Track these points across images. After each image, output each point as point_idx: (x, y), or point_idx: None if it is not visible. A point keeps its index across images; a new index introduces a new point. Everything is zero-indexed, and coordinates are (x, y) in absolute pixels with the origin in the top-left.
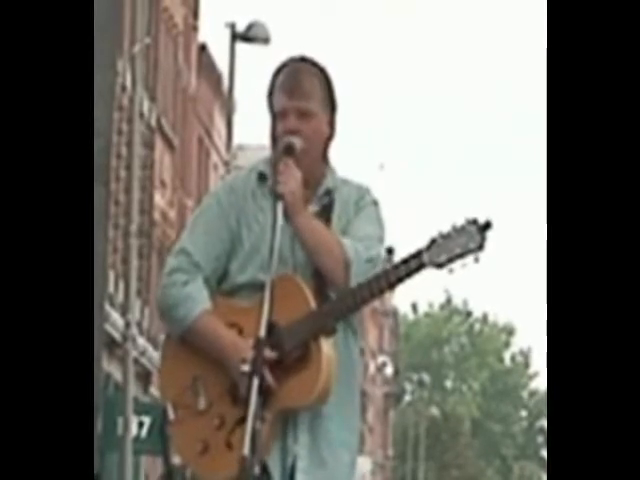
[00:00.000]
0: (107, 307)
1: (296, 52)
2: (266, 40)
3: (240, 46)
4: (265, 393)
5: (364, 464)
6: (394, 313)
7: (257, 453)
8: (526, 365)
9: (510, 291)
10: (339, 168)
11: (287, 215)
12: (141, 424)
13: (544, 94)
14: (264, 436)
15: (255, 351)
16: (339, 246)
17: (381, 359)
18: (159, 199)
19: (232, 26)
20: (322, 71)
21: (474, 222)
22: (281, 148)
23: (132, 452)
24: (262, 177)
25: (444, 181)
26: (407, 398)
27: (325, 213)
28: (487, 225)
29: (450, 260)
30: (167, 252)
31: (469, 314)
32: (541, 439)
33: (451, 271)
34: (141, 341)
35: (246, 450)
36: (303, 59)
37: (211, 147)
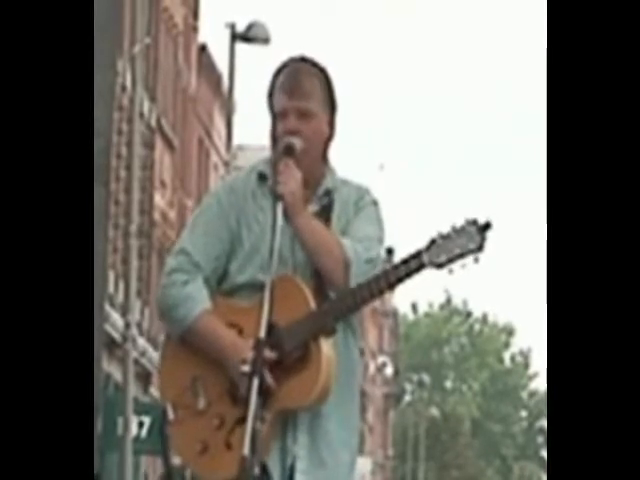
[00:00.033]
0: (107, 307)
1: (296, 52)
2: (266, 40)
3: (240, 46)
4: (265, 393)
5: (364, 464)
6: (394, 313)
7: (257, 453)
8: (526, 365)
9: (510, 291)
10: (339, 168)
11: (287, 215)
12: (141, 424)
13: (544, 94)
14: (264, 436)
15: (255, 351)
16: (339, 247)
17: (381, 359)
18: (159, 199)
19: (232, 26)
20: (322, 71)
21: (474, 222)
22: (281, 148)
23: (132, 452)
24: (262, 177)
25: (444, 181)
26: (407, 398)
27: (325, 213)
28: (487, 226)
29: (450, 260)
30: (167, 252)
31: (469, 314)
32: (541, 439)
33: (451, 271)
34: (141, 341)
35: (246, 450)
36: (303, 59)
37: (211, 147)
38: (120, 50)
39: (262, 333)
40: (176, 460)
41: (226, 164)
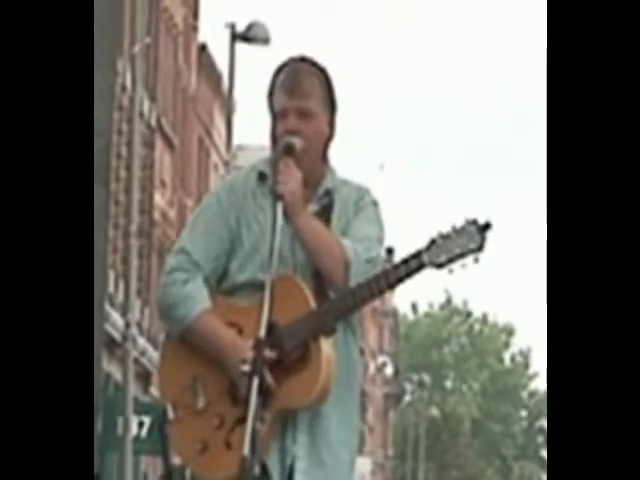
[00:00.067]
0: (107, 307)
1: (296, 52)
2: (266, 40)
3: (240, 46)
4: (264, 393)
5: (364, 464)
6: (394, 313)
7: (257, 453)
8: (526, 365)
9: (510, 291)
10: (339, 168)
11: (287, 215)
12: (141, 424)
13: (544, 94)
14: (263, 436)
15: (255, 351)
16: (339, 247)
17: (381, 359)
18: (159, 199)
19: (232, 26)
20: (322, 71)
21: (474, 222)
22: (281, 148)
23: (132, 452)
24: (262, 177)
25: (444, 181)
26: (407, 398)
27: (325, 213)
28: (487, 226)
29: (450, 260)
30: (167, 252)
31: (469, 314)
32: (541, 439)
33: (451, 271)
34: (141, 341)
35: (246, 450)
36: (303, 59)
37: (211, 147)
38: (120, 50)
39: (262, 332)
40: (176, 460)
41: (226, 164)
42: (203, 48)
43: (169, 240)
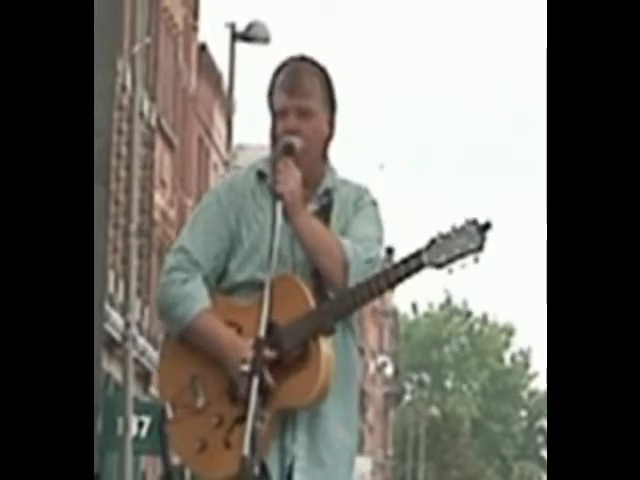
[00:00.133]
0: (107, 307)
1: (296, 52)
2: (266, 40)
3: (240, 46)
4: (264, 392)
5: (364, 464)
6: (394, 313)
7: (256, 453)
8: (526, 365)
9: (510, 291)
10: (339, 168)
11: (286, 215)
12: (141, 424)
13: (544, 94)
14: (263, 436)
15: (255, 350)
16: (338, 247)
17: (381, 359)
18: (159, 199)
19: (232, 26)
20: (322, 71)
21: (474, 222)
22: (281, 147)
23: (132, 452)
24: (261, 176)
25: (444, 181)
26: (407, 398)
27: (324, 213)
28: (487, 226)
29: (450, 260)
30: (167, 252)
31: (469, 314)
32: (541, 439)
33: (451, 271)
34: (141, 341)
35: (246, 450)
36: (303, 58)
37: (211, 147)
38: (120, 50)
39: (262, 332)
40: (175, 459)
41: (226, 164)
42: (203, 48)
43: (169, 240)
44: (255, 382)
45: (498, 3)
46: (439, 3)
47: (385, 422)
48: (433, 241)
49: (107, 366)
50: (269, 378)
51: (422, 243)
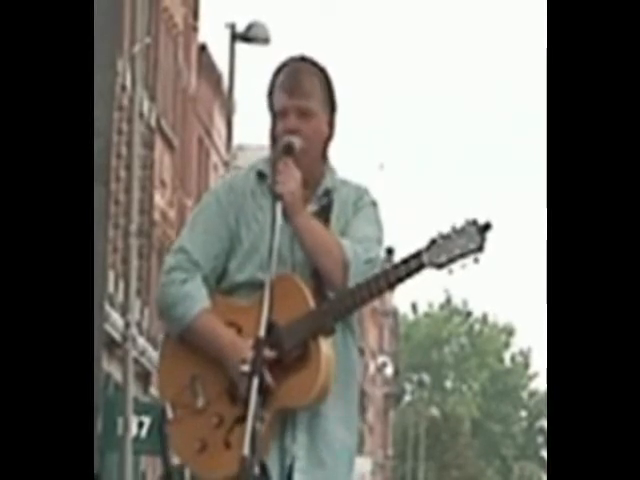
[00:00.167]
0: (107, 307)
1: (296, 52)
2: (266, 40)
3: (240, 46)
4: (264, 393)
5: (364, 464)
6: (394, 313)
7: (256, 453)
8: (526, 365)
9: (510, 291)
10: (339, 168)
11: (286, 215)
12: (141, 424)
13: (544, 94)
14: (263, 436)
15: (255, 351)
16: (338, 247)
17: (381, 359)
18: (159, 199)
19: (232, 26)
20: (322, 71)
21: (474, 223)
22: (281, 147)
23: (132, 452)
24: (261, 176)
25: (444, 181)
26: (407, 398)
27: (324, 213)
28: (487, 226)
29: (450, 261)
30: (167, 252)
31: (469, 314)
32: (541, 439)
33: (451, 272)
34: (141, 341)
35: (246, 450)
36: (303, 59)
37: (211, 147)
38: (120, 50)
39: (262, 332)
40: (175, 459)
41: (226, 164)
42: (203, 48)
43: (169, 240)
44: (255, 382)
45: (498, 3)
46: (439, 3)
47: (385, 422)
48: (433, 241)
49: (107, 366)
50: (269, 378)
51: (422, 243)
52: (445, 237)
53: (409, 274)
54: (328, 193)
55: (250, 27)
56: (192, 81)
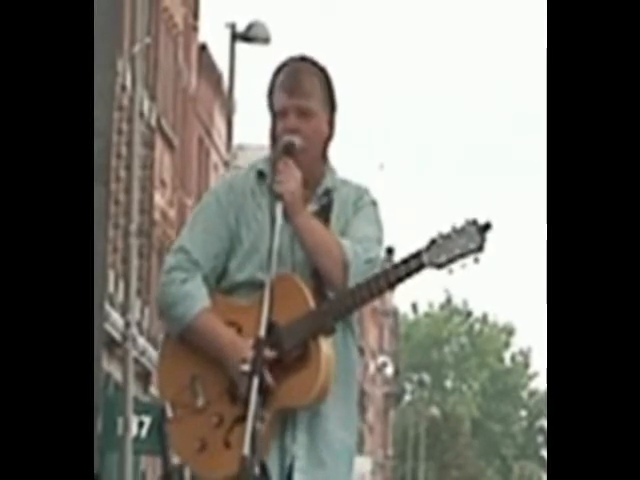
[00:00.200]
0: (107, 307)
1: (296, 52)
2: (266, 40)
3: (240, 46)
4: (264, 392)
5: (364, 464)
6: (394, 313)
7: (256, 453)
8: (526, 365)
9: (510, 291)
10: (339, 168)
11: (286, 215)
12: (141, 424)
13: (544, 94)
14: (263, 436)
15: (255, 350)
16: (338, 247)
17: (381, 359)
18: (159, 199)
19: (232, 26)
20: (322, 71)
21: (474, 223)
22: (281, 147)
23: (132, 452)
24: (261, 175)
25: (444, 181)
26: (407, 398)
27: (324, 213)
28: (487, 226)
29: (450, 261)
30: (167, 252)
31: (469, 314)
32: (541, 439)
33: (451, 272)
34: (141, 341)
35: (246, 450)
36: (303, 58)
37: (211, 147)
38: (120, 50)
39: (262, 332)
40: (175, 459)
41: (226, 164)
42: (203, 48)
43: (169, 240)
44: (255, 382)
45: (498, 3)
46: (439, 3)
47: (385, 422)
48: (433, 241)
49: (107, 366)
50: (269, 378)
51: (422, 243)
52: (445, 237)
53: (409, 274)
54: (328, 193)
55: (250, 27)
56: (192, 81)
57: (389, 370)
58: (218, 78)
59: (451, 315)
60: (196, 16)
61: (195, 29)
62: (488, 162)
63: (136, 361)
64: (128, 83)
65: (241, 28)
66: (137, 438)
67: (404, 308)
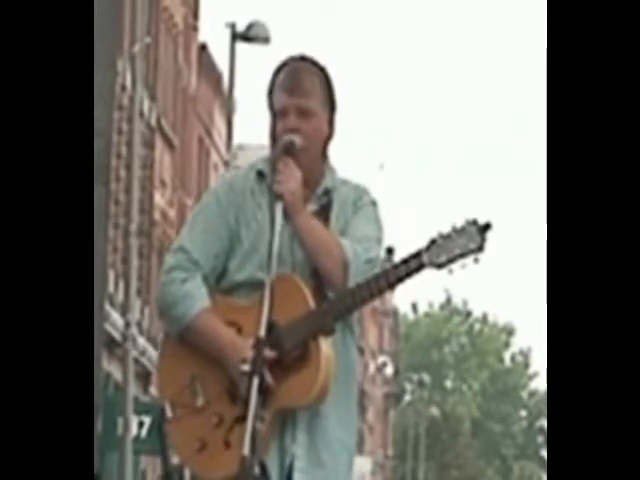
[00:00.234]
0: (107, 307)
1: (296, 52)
2: (266, 40)
3: (240, 46)
4: (264, 392)
5: (364, 464)
6: (394, 313)
7: (256, 453)
8: (526, 365)
9: (510, 291)
10: (339, 168)
11: (286, 215)
12: (141, 424)
13: (544, 94)
14: (263, 435)
15: (255, 350)
16: (338, 247)
17: (381, 359)
18: (159, 199)
19: (232, 26)
20: (322, 70)
21: (474, 223)
22: (281, 146)
23: (132, 452)
24: (261, 175)
25: (444, 181)
26: (407, 398)
27: (323, 213)
28: (487, 226)
29: (450, 261)
30: (167, 252)
31: (469, 314)
32: (541, 439)
33: (451, 272)
34: (141, 341)
35: (246, 450)
36: (303, 58)
37: (211, 147)
38: (120, 50)
39: (262, 332)
40: (175, 459)
41: (226, 163)
42: (203, 48)
43: (169, 240)
44: (255, 382)
45: (498, 3)
46: (439, 3)
47: (385, 422)
48: (433, 241)
49: (107, 366)
50: (269, 378)
51: (422, 243)
52: (445, 237)
53: (409, 274)
54: (328, 192)
55: (250, 27)
56: (192, 81)
57: (389, 370)
58: (218, 78)
59: (451, 315)
60: (196, 16)
61: (195, 29)
62: (488, 162)
63: (136, 361)
64: (128, 83)
65: (241, 28)
66: (137, 438)
67: (404, 308)
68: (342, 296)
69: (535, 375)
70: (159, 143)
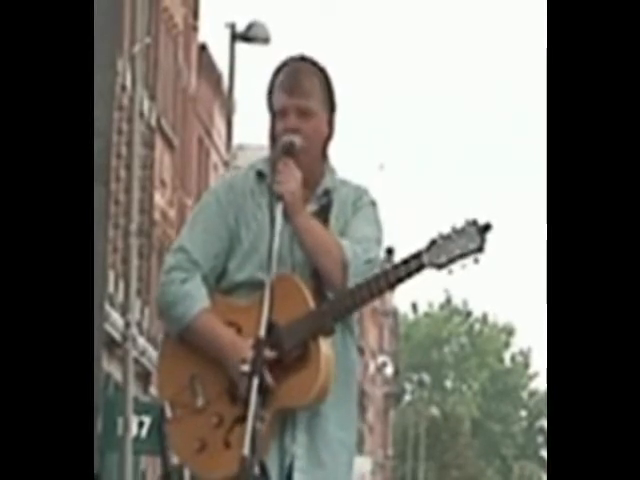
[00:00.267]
0: (107, 307)
1: (296, 52)
2: (266, 40)
3: (240, 46)
4: (264, 392)
5: (364, 464)
6: (394, 313)
7: (256, 453)
8: (526, 365)
9: (510, 291)
10: (339, 168)
11: (286, 215)
12: (141, 424)
13: (544, 94)
14: (262, 436)
15: (255, 351)
16: (338, 247)
17: (381, 359)
18: (159, 199)
19: (232, 26)
20: (322, 71)
21: (474, 223)
22: (281, 146)
23: (132, 452)
24: (261, 175)
25: (444, 181)
26: (407, 398)
27: (323, 213)
28: (487, 227)
29: (450, 261)
30: (167, 252)
31: (469, 314)
32: (541, 439)
33: (451, 272)
34: (141, 341)
35: (246, 450)
36: (303, 58)
37: (211, 147)
38: (120, 50)
39: (262, 332)
40: (175, 459)
41: (226, 164)
42: (203, 48)
43: (169, 240)
44: (255, 382)
45: (498, 3)
46: (439, 3)
47: (385, 422)
48: (433, 242)
49: (107, 366)
50: (269, 378)
51: (422, 243)
52: (445, 237)
53: (409, 274)
54: (327, 193)
55: (250, 27)
56: (192, 81)
57: (389, 370)
58: (218, 78)
59: (451, 315)
60: (196, 16)
61: (195, 29)
62: (488, 162)
63: (136, 361)
64: (128, 83)
65: (241, 28)
66: (137, 438)
67: (404, 308)
68: (342, 296)
69: (535, 375)
70: (159, 143)
